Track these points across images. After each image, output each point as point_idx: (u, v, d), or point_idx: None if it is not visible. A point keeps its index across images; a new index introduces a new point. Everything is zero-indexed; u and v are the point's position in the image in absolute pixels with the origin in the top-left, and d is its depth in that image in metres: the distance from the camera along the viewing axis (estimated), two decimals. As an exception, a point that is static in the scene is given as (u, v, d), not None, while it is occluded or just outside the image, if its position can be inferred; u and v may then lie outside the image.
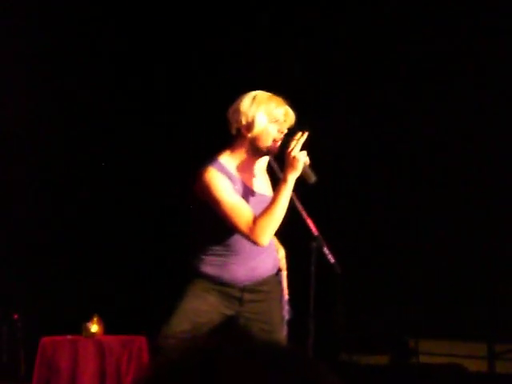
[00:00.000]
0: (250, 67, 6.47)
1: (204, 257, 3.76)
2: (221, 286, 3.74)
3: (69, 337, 5.81)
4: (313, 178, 3.64)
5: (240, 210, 3.60)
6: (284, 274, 3.96)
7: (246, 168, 3.73)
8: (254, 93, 3.72)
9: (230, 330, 0.94)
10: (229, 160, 3.71)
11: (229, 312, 3.76)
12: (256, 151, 3.70)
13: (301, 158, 3.55)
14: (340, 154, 6.52)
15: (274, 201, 3.60)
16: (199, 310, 3.68)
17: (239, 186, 3.68)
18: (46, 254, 6.91)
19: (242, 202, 3.63)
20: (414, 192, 6.49)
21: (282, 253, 3.99)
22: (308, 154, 3.60)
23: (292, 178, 3.57)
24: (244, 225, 3.58)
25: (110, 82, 7.01)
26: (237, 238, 3.68)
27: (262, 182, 3.79)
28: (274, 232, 3.63)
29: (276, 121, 3.66)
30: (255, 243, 3.61)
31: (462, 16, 6.24)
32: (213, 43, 6.76)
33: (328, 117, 6.42)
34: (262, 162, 3.81)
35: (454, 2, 6.30)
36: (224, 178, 3.63)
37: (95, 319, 5.86)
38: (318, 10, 6.60)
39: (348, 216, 6.54)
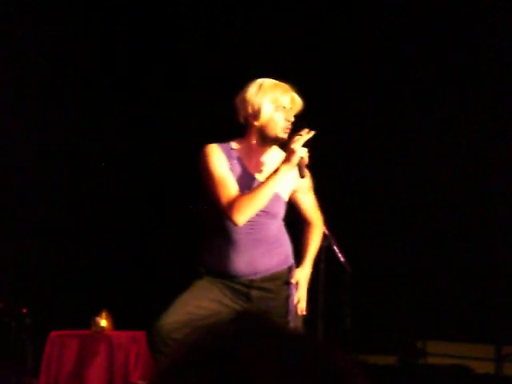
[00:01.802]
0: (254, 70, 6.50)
1: (208, 248, 3.79)
2: (226, 279, 3.75)
3: (78, 332, 5.82)
4: (304, 176, 3.65)
5: (225, 186, 3.63)
6: (303, 290, 3.90)
7: (252, 155, 3.75)
8: (259, 80, 3.73)
9: (247, 317, 0.95)
10: (237, 145, 3.76)
11: (236, 307, 3.76)
12: (264, 139, 3.72)
13: (298, 153, 3.57)
14: (353, 152, 6.53)
15: (260, 185, 3.62)
16: (201, 300, 3.67)
17: (238, 169, 3.71)
18: (56, 248, 6.93)
19: (231, 179, 3.66)
20: (426, 192, 6.50)
21: (307, 267, 3.91)
22: (310, 155, 3.61)
23: (285, 169, 3.58)
24: (224, 199, 3.61)
25: (110, 81, 7.04)
26: (232, 227, 3.68)
27: (267, 172, 3.77)
28: (251, 214, 3.62)
29: (283, 108, 3.69)
30: (231, 220, 3.61)
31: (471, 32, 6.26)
32: (218, 44, 6.79)
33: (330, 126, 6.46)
34: (275, 157, 3.81)
35: (458, 16, 6.31)
36: (221, 154, 3.68)
37: (104, 314, 5.87)
38: (318, 22, 6.62)
39: (360, 215, 6.54)
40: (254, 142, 3.74)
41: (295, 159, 3.56)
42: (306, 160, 3.61)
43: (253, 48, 6.66)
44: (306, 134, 3.59)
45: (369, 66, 6.58)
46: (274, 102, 3.67)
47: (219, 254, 3.74)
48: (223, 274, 3.74)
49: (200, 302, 3.67)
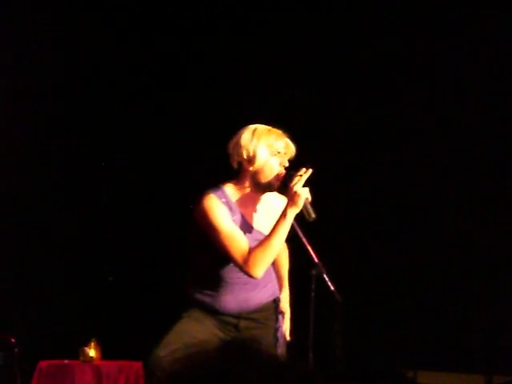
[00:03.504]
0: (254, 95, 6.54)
1: (198, 286, 3.76)
2: (216, 313, 3.74)
3: (66, 361, 5.80)
4: (312, 216, 3.61)
5: (236, 240, 3.58)
6: (287, 316, 3.93)
7: (247, 202, 3.72)
8: (253, 126, 3.71)
9: (236, 347, 0.95)
10: (231, 191, 3.71)
11: (225, 337, 3.75)
12: (258, 185, 3.69)
13: (302, 194, 3.54)
14: (342, 181, 6.54)
15: (271, 234, 3.58)
16: (194, 331, 3.65)
17: (237, 219, 3.67)
18: (43, 278, 6.90)
19: (239, 232, 3.62)
20: (414, 220, 6.50)
21: (286, 293, 3.97)
22: (310, 191, 3.60)
23: (292, 213, 3.55)
24: (239, 255, 3.57)
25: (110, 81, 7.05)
26: (230, 271, 3.68)
27: (263, 220, 3.75)
28: (268, 265, 3.61)
29: (277, 153, 3.66)
30: (248, 275, 3.60)
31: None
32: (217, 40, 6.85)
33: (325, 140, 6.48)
34: (270, 202, 3.80)
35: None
36: (223, 207, 3.62)
37: (93, 344, 5.85)
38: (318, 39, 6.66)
39: (349, 244, 6.53)
40: (248, 187, 3.71)
41: (301, 201, 3.54)
42: (310, 199, 3.60)
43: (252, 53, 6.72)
44: (305, 173, 3.58)
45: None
46: (269, 147, 3.64)
47: (211, 294, 3.72)
48: (213, 311, 3.73)
49: (194, 333, 3.65)
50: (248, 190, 3.70)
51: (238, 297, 3.72)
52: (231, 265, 3.65)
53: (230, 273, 3.68)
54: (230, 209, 3.65)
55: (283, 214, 3.56)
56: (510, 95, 6.20)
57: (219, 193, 3.67)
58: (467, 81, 6.27)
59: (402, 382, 6.34)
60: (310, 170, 3.58)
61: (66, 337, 6.24)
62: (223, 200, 3.65)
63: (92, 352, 5.82)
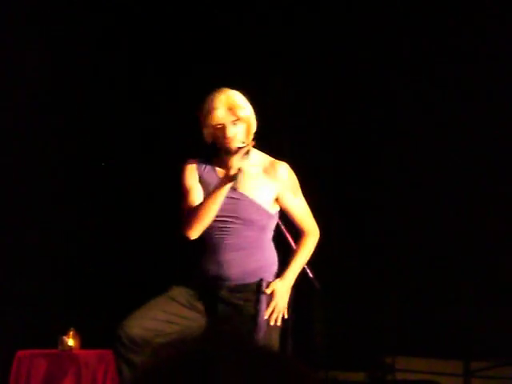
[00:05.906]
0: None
1: (188, 252, 3.82)
2: (197, 282, 3.75)
3: (45, 351, 5.78)
4: (238, 185, 3.67)
5: (187, 197, 3.72)
6: (277, 299, 3.90)
7: (225, 164, 3.72)
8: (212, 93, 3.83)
9: (221, 332, 0.94)
10: (213, 155, 3.82)
11: (202, 322, 3.74)
12: (224, 152, 3.74)
13: (235, 166, 3.59)
14: (322, 171, 6.55)
15: (206, 198, 3.67)
16: (166, 306, 3.71)
17: (210, 176, 3.76)
18: (21, 267, 6.86)
19: (195, 191, 3.73)
20: (394, 210, 6.52)
21: (284, 282, 3.90)
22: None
23: (223, 182, 3.63)
24: (182, 212, 3.71)
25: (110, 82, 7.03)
26: (205, 232, 3.71)
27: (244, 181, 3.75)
28: (200, 227, 3.65)
29: (219, 127, 3.71)
30: (183, 233, 3.68)
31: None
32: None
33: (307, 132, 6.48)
34: (255, 164, 3.80)
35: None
36: (193, 168, 3.78)
37: (71, 333, 5.83)
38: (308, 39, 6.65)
39: (328, 231, 6.54)
40: (221, 152, 3.78)
41: (233, 172, 3.59)
42: (242, 170, 3.61)
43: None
44: (244, 147, 3.62)
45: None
46: (210, 127, 3.74)
47: (193, 257, 3.77)
48: (194, 276, 3.75)
49: (164, 307, 3.71)
50: (222, 154, 3.78)
51: (216, 259, 3.72)
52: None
53: (210, 235, 3.73)
54: (208, 170, 3.77)
55: (220, 181, 3.65)
56: (510, 95, 6.20)
57: (203, 158, 3.82)
58: (467, 81, 6.27)
59: (380, 368, 6.37)
60: (251, 144, 3.63)
61: (45, 326, 6.22)
62: (202, 163, 3.80)
63: (71, 341, 5.80)
